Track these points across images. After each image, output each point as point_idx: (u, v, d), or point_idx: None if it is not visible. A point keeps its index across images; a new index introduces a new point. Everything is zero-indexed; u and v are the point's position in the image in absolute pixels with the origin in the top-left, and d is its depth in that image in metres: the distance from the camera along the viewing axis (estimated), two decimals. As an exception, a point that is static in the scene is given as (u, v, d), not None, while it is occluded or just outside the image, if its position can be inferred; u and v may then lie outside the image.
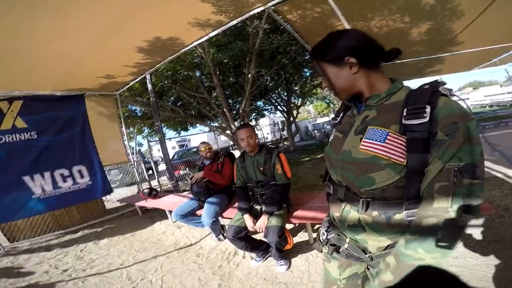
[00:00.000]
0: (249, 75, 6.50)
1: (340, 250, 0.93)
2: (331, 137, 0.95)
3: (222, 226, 3.10)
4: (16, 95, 3.79)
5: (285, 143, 17.30)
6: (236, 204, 2.53)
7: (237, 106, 9.35)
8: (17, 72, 3.10)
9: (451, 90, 0.68)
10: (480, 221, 2.37)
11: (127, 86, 4.92)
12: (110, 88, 4.66)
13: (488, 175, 3.50)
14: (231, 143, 11.11)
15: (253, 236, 2.52)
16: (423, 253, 0.64)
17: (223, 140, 17.22)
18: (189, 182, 3.19)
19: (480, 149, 0.62)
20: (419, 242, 0.65)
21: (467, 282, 0.64)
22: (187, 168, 8.82)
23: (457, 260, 1.93)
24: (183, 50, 3.64)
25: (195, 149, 11.74)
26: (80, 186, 4.26)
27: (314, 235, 2.67)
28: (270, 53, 6.61)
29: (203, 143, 3.25)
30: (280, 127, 20.90)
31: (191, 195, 3.38)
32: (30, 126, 3.90)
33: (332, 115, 1.04)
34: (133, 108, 8.83)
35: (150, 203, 4.28)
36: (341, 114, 0.96)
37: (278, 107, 13.45)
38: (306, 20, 3.08)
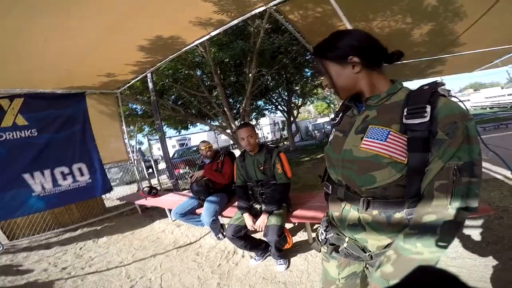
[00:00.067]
0: (250, 75, 6.50)
1: (339, 250, 0.93)
2: (331, 137, 0.96)
3: (222, 225, 3.11)
4: (17, 93, 3.79)
5: (285, 143, 17.32)
6: (236, 203, 2.53)
7: (238, 106, 9.35)
8: (18, 70, 3.11)
9: (449, 91, 0.70)
10: (479, 222, 2.37)
11: (128, 85, 4.92)
12: (111, 86, 4.66)
13: (488, 176, 3.50)
14: (231, 142, 11.11)
15: (252, 235, 2.53)
16: (422, 248, 0.65)
17: (223, 139, 17.19)
18: (189, 180, 3.19)
19: (478, 149, 0.64)
20: (418, 237, 0.66)
21: (467, 282, 0.65)
22: (187, 167, 8.83)
23: (456, 260, 1.94)
24: (184, 49, 3.64)
25: (195, 148, 11.76)
26: (80, 184, 4.26)
27: (314, 234, 2.67)
28: (271, 52, 6.60)
29: (203, 142, 3.25)
30: (281, 126, 20.91)
31: (191, 194, 3.38)
32: (30, 124, 3.90)
33: (333, 115, 1.04)
34: (134, 106, 8.83)
35: (150, 202, 4.28)
36: (340, 114, 0.97)
37: (279, 106, 13.45)
38: (308, 20, 3.08)
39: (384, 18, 2.94)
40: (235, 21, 3.06)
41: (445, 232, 0.64)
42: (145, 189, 4.54)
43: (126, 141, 5.35)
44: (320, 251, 1.04)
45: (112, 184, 4.90)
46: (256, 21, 5.76)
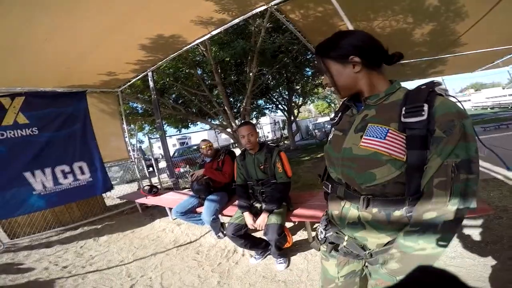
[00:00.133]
0: (251, 74, 6.49)
1: (338, 248, 0.93)
2: (330, 136, 0.97)
3: (222, 224, 3.11)
4: (18, 91, 3.81)
5: (285, 142, 17.31)
6: (236, 202, 2.54)
7: (238, 105, 9.34)
8: (19, 68, 3.12)
9: (446, 90, 0.72)
10: (479, 222, 2.38)
11: (128, 83, 4.93)
12: (111, 85, 4.67)
13: (488, 176, 3.50)
14: (232, 141, 11.11)
15: (252, 234, 2.54)
16: (424, 244, 0.67)
17: (224, 138, 17.24)
18: (189, 179, 3.19)
19: (475, 146, 0.65)
20: (420, 234, 0.68)
21: (466, 282, 0.65)
22: (187, 166, 8.83)
23: (455, 260, 1.94)
24: (185, 48, 3.65)
25: (195, 147, 11.76)
26: (80, 183, 4.27)
27: (314, 233, 2.68)
28: (272, 52, 6.59)
29: (204, 140, 3.26)
30: (281, 126, 20.89)
31: (191, 193, 3.39)
32: (31, 122, 3.91)
33: (333, 115, 1.06)
34: (135, 105, 8.83)
35: (150, 200, 4.29)
36: (340, 114, 0.98)
37: (279, 106, 13.44)
38: (309, 20, 3.08)
39: (385, 18, 2.94)
40: (236, 20, 3.07)
41: (446, 228, 0.65)
42: (145, 187, 4.54)
43: (127, 139, 5.36)
44: (319, 250, 1.04)
45: (112, 182, 4.92)
46: (257, 20, 5.75)
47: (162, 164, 10.30)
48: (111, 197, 6.21)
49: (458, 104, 0.69)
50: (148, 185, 4.62)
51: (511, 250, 1.91)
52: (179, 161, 9.34)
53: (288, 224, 2.89)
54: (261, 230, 2.20)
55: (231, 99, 9.08)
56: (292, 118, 13.73)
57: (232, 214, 2.48)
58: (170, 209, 3.76)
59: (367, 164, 0.75)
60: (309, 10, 2.91)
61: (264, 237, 2.24)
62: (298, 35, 3.47)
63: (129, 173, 7.51)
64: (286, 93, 12.54)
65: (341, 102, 1.01)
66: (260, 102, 12.72)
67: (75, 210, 4.75)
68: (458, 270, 1.82)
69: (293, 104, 13.59)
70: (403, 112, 0.71)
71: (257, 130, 2.47)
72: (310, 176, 5.87)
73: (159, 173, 6.24)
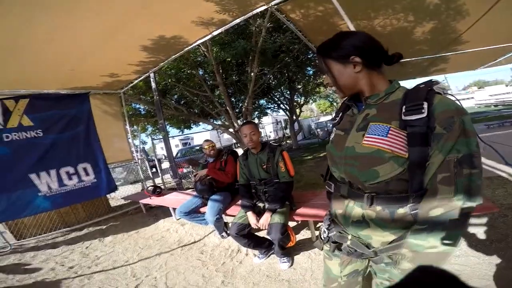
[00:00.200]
0: (252, 74, 6.51)
1: (342, 248, 0.94)
2: (332, 136, 0.98)
3: (226, 224, 3.13)
4: (22, 94, 3.84)
5: (287, 141, 17.29)
6: (239, 202, 2.55)
7: (240, 105, 9.36)
8: (23, 71, 3.15)
9: (444, 89, 0.73)
10: (483, 220, 2.37)
11: (131, 85, 4.96)
12: (114, 86, 4.70)
13: (492, 174, 3.49)
14: (234, 141, 11.12)
15: (256, 233, 2.55)
16: (434, 242, 0.67)
17: (226, 139, 17.24)
18: (192, 179, 3.22)
19: (476, 141, 0.67)
20: (428, 232, 0.68)
21: (467, 281, 0.66)
22: (190, 166, 8.86)
23: (459, 258, 1.94)
24: (186, 48, 3.67)
25: (198, 147, 11.79)
26: (85, 184, 4.30)
27: (317, 233, 2.69)
28: (273, 51, 6.60)
29: (206, 141, 3.28)
30: (283, 125, 20.87)
31: (194, 193, 3.41)
32: (36, 124, 3.94)
33: (334, 115, 1.07)
34: (137, 106, 8.88)
35: (154, 201, 4.31)
36: (340, 114, 1.00)
37: (281, 105, 13.41)
38: (309, 19, 3.08)
39: (386, 17, 2.93)
40: (237, 21, 3.08)
41: (454, 224, 0.66)
42: (149, 188, 4.57)
43: (130, 140, 5.39)
44: (322, 249, 1.05)
45: (116, 183, 4.94)
46: (258, 20, 5.76)
47: (165, 164, 10.35)
48: (115, 198, 6.26)
49: (457, 101, 0.71)
50: (152, 186, 4.65)
51: (515, 248, 1.91)
52: (182, 162, 9.38)
53: (291, 223, 2.89)
54: (265, 229, 2.21)
55: (233, 99, 9.11)
56: (294, 117, 13.71)
57: (236, 213, 2.49)
58: (174, 209, 3.78)
59: (370, 161, 0.76)
60: (310, 9, 2.91)
61: (268, 237, 2.25)
62: (299, 34, 3.47)
63: (132, 174, 7.55)
64: (288, 92, 12.52)
65: (341, 102, 1.02)
66: (262, 101, 12.72)
67: (80, 211, 4.79)
68: (463, 269, 1.82)
69: (295, 103, 13.56)
70: (404, 110, 0.73)
71: (259, 129, 2.48)
72: (313, 175, 5.88)
73: (162, 174, 6.27)
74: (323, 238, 1.01)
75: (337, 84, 0.86)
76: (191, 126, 10.69)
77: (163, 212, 4.59)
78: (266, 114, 14.72)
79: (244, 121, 2.43)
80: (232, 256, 2.68)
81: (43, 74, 3.40)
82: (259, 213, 2.32)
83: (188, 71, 7.00)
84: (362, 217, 0.84)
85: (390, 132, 0.74)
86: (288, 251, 2.42)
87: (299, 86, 12.15)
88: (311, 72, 10.31)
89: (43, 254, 3.55)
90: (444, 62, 5.41)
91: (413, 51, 4.09)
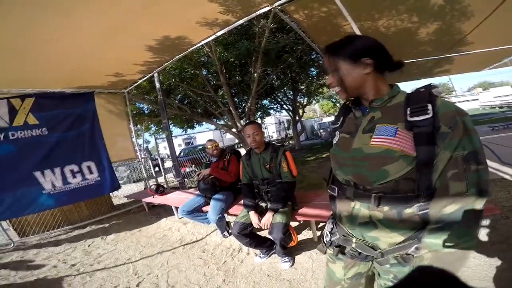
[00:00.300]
0: (255, 74, 6.51)
1: (345, 252, 0.95)
2: (336, 139, 0.98)
3: (228, 223, 3.14)
4: (28, 93, 3.89)
5: (290, 142, 17.28)
6: (242, 201, 2.56)
7: (243, 105, 9.36)
8: (28, 70, 3.18)
9: (441, 92, 0.77)
10: (485, 222, 2.36)
11: (135, 84, 4.99)
12: (118, 86, 4.74)
13: (496, 176, 3.47)
14: (237, 141, 11.14)
15: (258, 233, 2.56)
16: (453, 239, 0.68)
17: (229, 138, 17.28)
18: (195, 178, 3.24)
19: (478, 138, 0.70)
20: (445, 230, 0.69)
21: (467, 282, 0.66)
22: (193, 165, 8.90)
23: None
24: (191, 49, 3.68)
25: (200, 147, 11.83)
26: (89, 182, 4.34)
27: (319, 233, 2.69)
28: (276, 52, 6.59)
29: (210, 140, 3.29)
30: (286, 126, 20.86)
31: (197, 192, 3.42)
32: (41, 123, 3.99)
33: (333, 119, 1.08)
34: (141, 106, 8.92)
35: (157, 199, 4.34)
36: (341, 118, 1.00)
37: (284, 106, 13.40)
38: (313, 20, 3.09)
39: (390, 18, 2.93)
40: (241, 21, 3.09)
41: (469, 220, 0.67)
42: (152, 187, 4.60)
43: (134, 140, 5.43)
44: (325, 253, 1.05)
45: (119, 182, 4.98)
46: (261, 21, 5.77)
47: (168, 164, 10.40)
48: (118, 196, 6.30)
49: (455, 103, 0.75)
50: (155, 184, 4.68)
51: (517, 250, 1.90)
52: (184, 161, 9.41)
53: (293, 223, 2.90)
54: (266, 229, 2.21)
55: (236, 99, 9.11)
56: (297, 118, 13.71)
57: (238, 213, 2.50)
58: (177, 208, 3.80)
59: (380, 161, 0.77)
60: (313, 10, 2.91)
61: (269, 236, 2.26)
62: (302, 35, 3.47)
63: (135, 172, 7.60)
64: (291, 93, 12.50)
65: (341, 106, 1.04)
66: (265, 102, 12.72)
67: (83, 209, 4.83)
68: (463, 270, 1.81)
69: (298, 104, 13.56)
70: (409, 112, 0.76)
71: (263, 130, 2.49)
72: (315, 176, 5.87)
73: (165, 173, 6.30)
74: (326, 242, 1.01)
75: (343, 84, 0.86)
76: (194, 125, 10.71)
77: (166, 211, 4.62)
78: (269, 114, 14.71)
79: (247, 121, 2.43)
80: (233, 255, 2.69)
81: (49, 73, 3.44)
82: (261, 213, 2.33)
83: (192, 71, 7.03)
84: (369, 218, 0.84)
85: (397, 132, 0.76)
86: (290, 251, 2.42)
87: (302, 87, 12.13)
88: (314, 73, 10.28)
89: (45, 251, 3.58)
90: (449, 63, 5.39)
91: (418, 52, 4.07)
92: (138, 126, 9.66)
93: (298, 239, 2.60)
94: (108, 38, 2.80)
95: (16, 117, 3.77)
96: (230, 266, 2.50)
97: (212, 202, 2.96)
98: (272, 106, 13.81)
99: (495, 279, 1.67)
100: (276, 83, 10.16)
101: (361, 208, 0.86)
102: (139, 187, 6.97)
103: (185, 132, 10.98)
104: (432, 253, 0.72)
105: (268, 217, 2.20)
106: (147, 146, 11.43)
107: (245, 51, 5.73)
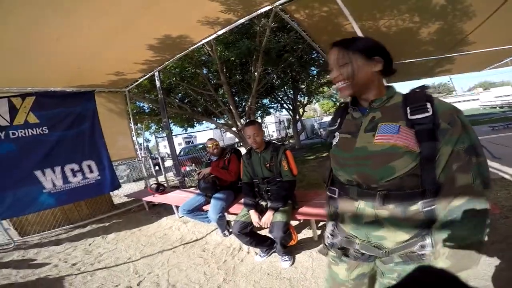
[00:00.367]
0: (256, 73, 6.51)
1: (349, 253, 0.95)
2: (336, 140, 0.97)
3: (228, 222, 3.15)
4: (28, 91, 3.89)
5: (290, 141, 17.27)
6: (242, 200, 2.56)
7: (243, 104, 9.35)
8: (29, 69, 3.19)
9: (432, 93, 0.81)
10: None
11: (136, 83, 5.00)
12: (119, 85, 4.74)
13: (496, 176, 3.48)
14: (237, 140, 11.14)
15: (258, 231, 2.56)
16: (468, 231, 0.69)
17: (229, 137, 17.28)
18: (195, 177, 3.24)
19: (474, 133, 0.74)
20: (458, 223, 0.70)
21: (466, 281, 0.66)
22: (193, 164, 8.90)
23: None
24: (191, 47, 3.69)
25: (201, 146, 11.83)
26: (89, 181, 4.34)
27: (319, 232, 2.70)
28: (277, 51, 6.59)
29: (210, 139, 3.29)
30: (286, 125, 20.85)
31: (197, 191, 3.43)
32: (42, 122, 3.99)
33: (330, 121, 1.09)
34: (141, 104, 8.92)
35: (157, 198, 4.34)
36: (339, 119, 1.01)
37: (284, 105, 13.39)
38: (314, 19, 3.09)
39: (391, 17, 2.93)
40: (242, 20, 3.09)
41: (480, 211, 0.68)
42: (153, 186, 4.60)
43: (134, 138, 5.43)
44: (326, 255, 1.05)
45: (119, 181, 4.98)
46: (262, 20, 5.76)
47: (168, 163, 10.41)
48: (119, 196, 6.29)
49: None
50: (155, 183, 4.68)
51: (516, 249, 1.91)
52: (185, 160, 9.41)
53: (294, 222, 2.91)
54: (267, 228, 2.22)
55: (236, 98, 9.10)
56: (297, 117, 13.70)
57: (238, 212, 2.50)
58: (177, 207, 3.80)
59: (386, 158, 0.77)
60: (314, 10, 2.92)
61: (270, 235, 2.26)
62: (303, 34, 3.47)
63: (136, 171, 7.60)
64: (291, 92, 12.49)
65: (337, 107, 1.06)
66: (265, 101, 12.72)
67: (83, 208, 4.82)
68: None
69: (298, 103, 13.54)
70: (409, 111, 0.78)
71: (263, 129, 2.49)
72: (315, 175, 5.87)
73: (166, 172, 6.30)
74: (327, 244, 1.01)
75: (353, 78, 0.85)
76: (195, 124, 10.71)
77: (166, 210, 4.62)
78: (269, 113, 14.71)
79: (248, 121, 2.43)
80: (233, 254, 2.70)
81: (49, 72, 3.44)
82: (261, 212, 2.34)
83: (193, 70, 7.02)
84: (375, 217, 0.84)
85: (400, 129, 0.78)
86: (290, 250, 2.43)
87: (303, 86, 12.12)
88: (314, 72, 10.26)
89: (46, 251, 3.58)
90: (450, 63, 5.39)
91: (419, 52, 4.07)
92: (139, 124, 9.66)
93: (298, 238, 2.61)
94: (109, 37, 2.80)
95: (17, 116, 3.78)
96: (231, 265, 2.51)
97: (212, 201, 2.96)
98: (272, 105, 13.81)
99: (494, 278, 1.67)
100: (277, 82, 10.16)
101: (365, 207, 0.86)
102: (139, 186, 6.97)
103: (186, 131, 10.98)
104: (448, 248, 0.70)
105: (269, 216, 2.20)
106: (148, 145, 11.40)
107: (245, 50, 5.73)
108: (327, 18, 3.02)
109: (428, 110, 0.75)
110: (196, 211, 3.20)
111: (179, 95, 8.52)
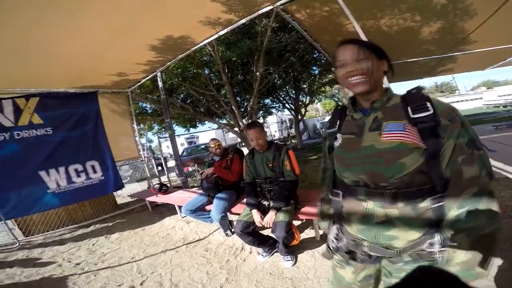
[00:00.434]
0: (257, 73, 6.53)
1: (356, 257, 0.94)
2: (339, 141, 0.96)
3: (230, 222, 3.16)
4: (32, 92, 3.93)
5: (292, 141, 17.25)
6: (245, 200, 2.57)
7: (245, 104, 9.37)
8: (33, 70, 3.22)
9: (427, 93, 0.85)
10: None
11: (138, 84, 5.01)
12: (122, 85, 4.77)
13: (499, 175, 3.46)
14: (239, 140, 11.15)
15: (260, 231, 2.56)
16: (481, 221, 0.71)
17: (231, 137, 17.30)
18: (198, 177, 3.26)
19: (472, 128, 0.78)
20: (470, 213, 0.72)
21: (466, 281, 0.67)
22: (196, 165, 8.92)
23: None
24: (193, 48, 3.70)
25: (203, 146, 11.86)
26: (93, 181, 4.37)
27: (321, 231, 2.70)
28: (278, 51, 6.60)
29: (213, 139, 3.31)
30: (288, 125, 20.82)
31: (200, 191, 3.44)
32: (45, 122, 4.02)
33: (329, 123, 1.08)
34: (144, 105, 8.96)
35: (160, 198, 4.36)
36: (338, 121, 1.01)
37: (286, 105, 13.37)
38: (315, 19, 3.09)
39: (392, 16, 2.92)
40: (243, 20, 3.10)
41: (490, 200, 0.71)
42: (155, 186, 4.62)
43: (137, 139, 5.45)
44: (331, 259, 1.04)
45: (123, 181, 5.01)
46: (263, 20, 5.77)
47: (171, 163, 10.44)
48: (122, 196, 6.33)
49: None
50: (158, 184, 4.70)
51: (519, 249, 1.90)
52: (187, 160, 9.44)
53: (296, 222, 2.91)
54: (269, 227, 2.22)
55: (238, 98, 9.13)
56: (299, 117, 13.68)
57: (241, 212, 2.51)
58: (180, 207, 3.82)
59: (396, 155, 0.78)
60: (315, 9, 2.92)
61: (272, 235, 2.26)
62: (304, 34, 3.47)
63: (139, 172, 7.64)
64: (293, 92, 12.47)
65: (335, 109, 1.08)
66: (267, 101, 12.70)
67: (87, 208, 4.85)
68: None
69: (300, 103, 13.50)
70: (410, 110, 0.82)
71: (264, 129, 2.49)
72: (318, 175, 5.83)
73: (168, 172, 6.32)
74: (332, 248, 0.99)
75: (372, 73, 0.85)
76: (197, 125, 10.74)
77: (169, 210, 4.64)
78: (271, 113, 14.71)
79: (250, 123, 2.43)
80: (236, 254, 2.71)
81: (53, 73, 3.47)
82: (264, 211, 2.34)
83: (194, 71, 7.05)
84: (386, 217, 0.83)
85: (405, 127, 0.80)
86: (292, 250, 2.43)
87: (304, 86, 12.09)
88: (316, 72, 10.24)
89: (50, 250, 3.61)
90: (452, 62, 5.37)
91: (420, 51, 4.06)
92: (141, 125, 9.70)
93: (301, 238, 2.62)
94: (111, 38, 2.82)
95: (21, 117, 3.81)
96: (233, 264, 2.52)
97: (215, 201, 2.97)
98: (274, 105, 13.80)
99: (496, 278, 1.66)
100: (278, 82, 10.16)
101: (374, 207, 0.84)
102: (142, 186, 7.00)
103: (188, 131, 11.01)
104: (467, 239, 0.71)
105: (271, 215, 2.21)
106: (150, 145, 11.47)
107: (247, 50, 5.75)
108: (328, 17, 3.02)
109: (429, 109, 0.78)
110: (199, 211, 3.22)
111: (181, 95, 8.55)
